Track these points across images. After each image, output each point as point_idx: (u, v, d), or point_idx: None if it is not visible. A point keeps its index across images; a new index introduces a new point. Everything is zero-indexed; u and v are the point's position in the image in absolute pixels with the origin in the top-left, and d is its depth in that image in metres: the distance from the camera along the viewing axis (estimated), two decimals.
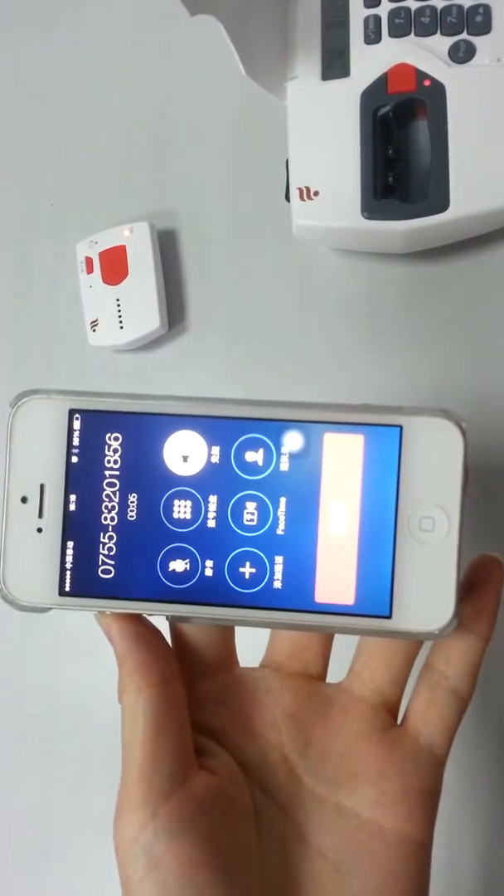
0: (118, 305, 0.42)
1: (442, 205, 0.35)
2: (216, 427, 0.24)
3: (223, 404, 0.24)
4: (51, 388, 0.24)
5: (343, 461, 0.23)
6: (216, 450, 0.24)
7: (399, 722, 0.26)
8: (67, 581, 0.24)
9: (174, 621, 0.26)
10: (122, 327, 0.42)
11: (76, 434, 0.24)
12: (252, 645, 0.27)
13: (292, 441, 0.23)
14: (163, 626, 0.26)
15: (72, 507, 0.24)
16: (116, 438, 0.24)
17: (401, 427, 0.23)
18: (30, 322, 0.45)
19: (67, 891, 0.41)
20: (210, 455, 0.24)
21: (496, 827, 0.37)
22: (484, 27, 0.36)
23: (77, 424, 0.24)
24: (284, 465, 0.24)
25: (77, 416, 0.24)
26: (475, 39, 0.36)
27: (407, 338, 0.40)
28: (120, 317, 0.42)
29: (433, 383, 0.39)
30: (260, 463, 0.24)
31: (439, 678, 0.25)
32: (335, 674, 0.27)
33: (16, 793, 0.43)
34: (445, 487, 0.23)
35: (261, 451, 0.24)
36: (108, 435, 0.24)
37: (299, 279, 0.41)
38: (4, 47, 0.47)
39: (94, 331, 0.42)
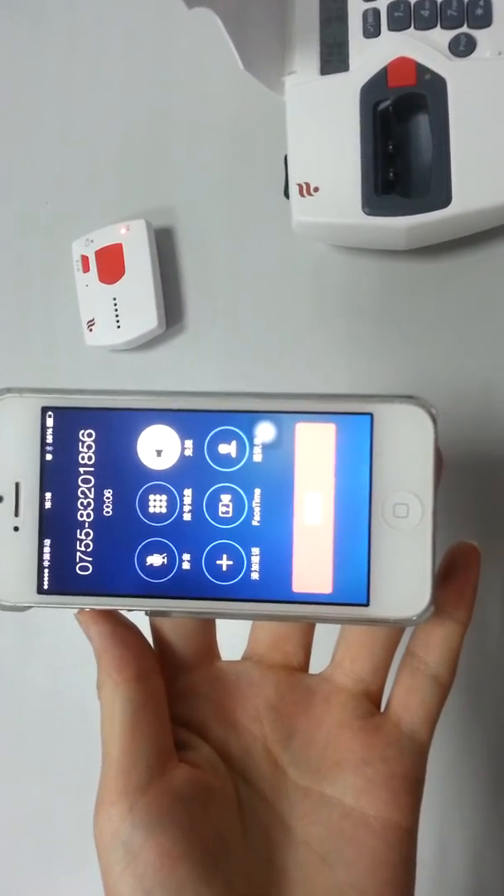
0: (115, 305, 0.42)
1: (444, 200, 0.35)
2: (189, 420, 0.24)
3: (195, 397, 0.24)
4: (23, 387, 0.25)
5: (315, 450, 0.24)
6: (189, 443, 0.24)
7: (382, 710, 0.26)
8: (45, 579, 0.25)
9: (153, 616, 0.26)
10: (119, 327, 0.41)
11: (49, 431, 0.25)
12: (235, 638, 0.28)
13: (265, 432, 0.24)
14: (143, 621, 0.26)
15: (47, 504, 0.25)
16: (90, 435, 0.24)
17: (371, 415, 0.23)
18: (25, 322, 0.44)
19: (70, 894, 0.41)
20: (183, 448, 0.24)
21: (484, 821, 0.37)
22: (484, 20, 0.36)
23: (50, 422, 0.25)
24: (258, 457, 0.24)
25: (50, 413, 0.25)
26: (476, 33, 0.36)
27: (409, 335, 0.40)
28: (117, 316, 0.42)
29: (435, 379, 0.39)
30: (233, 455, 0.24)
31: (419, 664, 0.25)
32: (317, 665, 0.27)
33: (18, 797, 0.43)
34: (418, 473, 0.23)
35: (233, 443, 0.24)
36: (82, 431, 0.24)
37: (298, 277, 0.41)
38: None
39: (91, 331, 0.42)
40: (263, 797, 0.25)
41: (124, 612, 0.25)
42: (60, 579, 0.25)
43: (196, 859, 0.23)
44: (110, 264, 0.42)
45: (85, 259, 0.42)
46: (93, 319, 0.42)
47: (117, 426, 0.24)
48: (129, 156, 0.44)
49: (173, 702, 0.26)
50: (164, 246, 0.43)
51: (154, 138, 0.44)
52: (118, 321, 0.42)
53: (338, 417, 0.24)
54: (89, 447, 0.24)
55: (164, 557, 0.24)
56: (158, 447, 0.24)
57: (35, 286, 0.45)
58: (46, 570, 0.25)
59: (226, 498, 0.24)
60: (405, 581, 0.23)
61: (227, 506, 0.24)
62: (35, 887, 0.42)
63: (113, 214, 0.43)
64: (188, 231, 0.43)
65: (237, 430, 0.24)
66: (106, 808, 0.23)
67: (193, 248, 0.43)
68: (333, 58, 0.38)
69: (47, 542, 0.25)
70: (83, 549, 0.24)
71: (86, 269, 0.42)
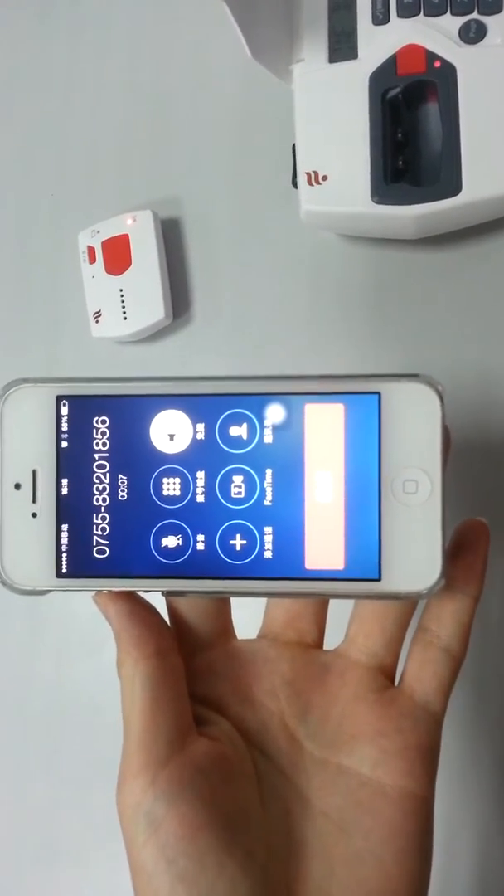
0: (121, 296, 0.41)
1: (454, 189, 0.35)
2: (200, 404, 0.25)
3: (206, 382, 0.25)
4: (38, 377, 0.26)
5: (325, 430, 0.24)
6: (201, 426, 0.25)
7: (396, 684, 0.27)
8: (64, 563, 0.25)
9: (169, 596, 0.27)
10: (125, 318, 0.41)
11: (64, 419, 0.25)
12: (252, 618, 0.28)
13: (274, 413, 0.25)
14: (160, 603, 0.27)
15: (64, 490, 0.25)
16: (104, 421, 0.25)
17: (379, 394, 0.24)
18: (32, 314, 0.44)
19: (75, 888, 0.41)
20: (195, 432, 0.25)
21: (495, 800, 0.37)
22: (495, 6, 0.36)
23: (65, 410, 0.25)
24: (268, 438, 0.25)
25: (64, 402, 0.25)
26: (486, 19, 0.36)
27: (417, 325, 0.39)
28: (123, 308, 0.41)
29: (444, 370, 0.39)
30: (244, 437, 0.25)
31: (432, 638, 0.26)
32: (331, 642, 0.28)
33: (23, 791, 0.43)
34: (425, 450, 0.24)
35: (244, 425, 0.25)
36: (96, 419, 0.25)
37: (306, 267, 0.41)
38: (3, 35, 0.46)
39: (97, 322, 0.42)
40: (281, 770, 0.26)
41: (141, 593, 0.26)
42: (78, 563, 0.25)
43: (217, 829, 0.23)
44: (117, 255, 0.42)
45: (91, 250, 0.42)
46: (99, 311, 0.42)
47: (130, 412, 0.25)
48: (135, 146, 0.44)
49: (191, 680, 0.26)
50: (171, 236, 0.43)
51: (160, 128, 0.44)
52: (125, 313, 0.41)
53: (346, 397, 0.24)
54: (103, 433, 0.25)
55: (178, 539, 0.25)
56: (171, 431, 0.25)
57: (41, 277, 0.45)
58: (64, 555, 0.25)
59: (238, 479, 0.25)
60: (416, 555, 0.24)
61: (240, 487, 0.25)
62: (39, 880, 0.42)
63: (119, 205, 0.43)
64: (195, 221, 0.43)
65: (248, 413, 0.25)
66: (129, 781, 0.24)
67: (200, 238, 0.43)
68: (342, 45, 0.37)
69: (64, 527, 0.25)
70: (100, 532, 0.25)
71: (92, 260, 0.42)
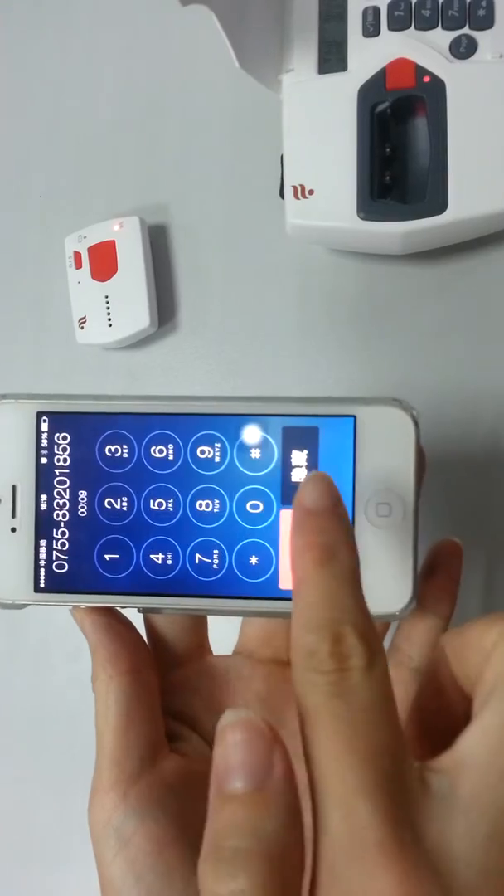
0: (107, 302, 0.42)
1: (440, 206, 0.35)
2: (180, 424, 0.25)
3: (187, 402, 0.25)
4: (19, 393, 0.26)
5: (300, 452, 0.25)
6: (181, 446, 0.25)
7: None
8: (42, 578, 0.26)
9: (146, 612, 0.27)
10: (110, 325, 0.41)
11: (44, 436, 0.26)
12: (229, 633, 0.29)
13: (251, 435, 0.25)
14: (138, 617, 0.27)
15: (43, 506, 0.26)
16: (84, 438, 0.26)
17: (354, 417, 0.24)
18: (16, 319, 0.45)
19: (51, 893, 0.42)
20: (176, 451, 0.26)
21: None
22: (486, 22, 0.36)
23: (45, 426, 0.26)
24: (244, 458, 0.25)
25: (45, 418, 0.26)
26: (477, 34, 0.36)
27: (402, 340, 0.40)
28: (108, 314, 0.41)
29: (429, 385, 0.39)
30: (218, 458, 0.25)
31: (403, 657, 0.27)
32: None
33: (1, 796, 0.43)
34: (399, 474, 0.24)
35: (218, 445, 0.25)
36: (76, 435, 0.26)
37: (293, 278, 0.41)
38: None
39: (83, 328, 0.42)
40: None
41: (118, 609, 0.27)
42: (56, 578, 0.26)
43: (186, 845, 0.24)
44: (103, 261, 0.42)
45: (77, 255, 0.42)
46: (84, 317, 0.42)
47: (111, 430, 0.26)
48: (123, 152, 0.44)
49: (166, 695, 0.27)
50: (158, 243, 0.43)
51: (149, 134, 0.44)
52: (110, 319, 0.42)
53: (321, 420, 0.25)
54: (83, 450, 0.26)
55: (156, 556, 0.26)
56: (153, 450, 0.26)
57: (27, 282, 0.45)
58: (42, 570, 0.26)
59: (212, 498, 0.25)
60: (388, 577, 0.24)
61: (213, 506, 0.25)
62: (18, 885, 0.42)
63: (107, 211, 0.43)
64: (182, 229, 0.43)
65: (224, 434, 0.25)
66: (99, 797, 0.24)
67: (187, 246, 0.43)
68: (332, 56, 0.37)
69: (43, 542, 0.26)
70: (79, 548, 0.26)
71: (78, 265, 0.42)
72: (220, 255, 0.42)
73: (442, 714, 0.21)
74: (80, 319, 0.42)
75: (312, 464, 0.25)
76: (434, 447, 0.39)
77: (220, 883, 0.17)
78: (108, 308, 0.42)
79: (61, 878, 0.42)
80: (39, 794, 0.43)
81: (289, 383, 0.41)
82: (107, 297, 0.42)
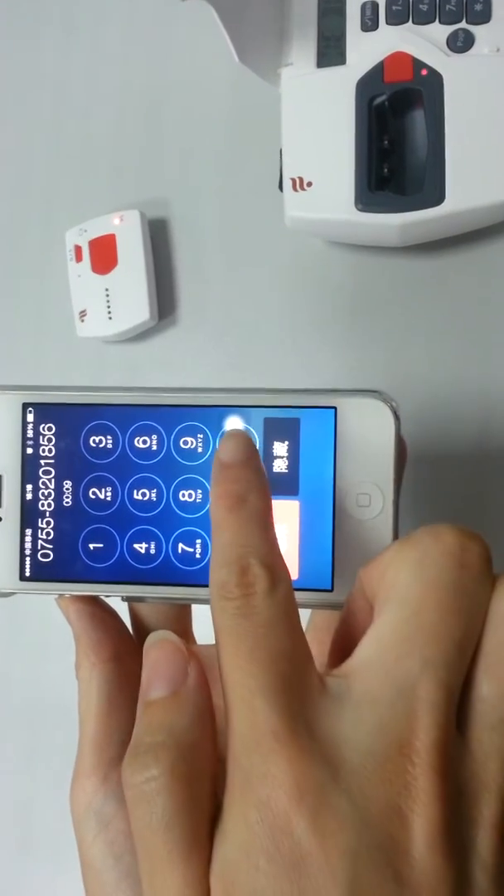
0: (107, 296, 0.42)
1: (437, 198, 0.35)
2: (163, 415, 0.26)
3: (171, 393, 0.26)
4: (5, 384, 0.27)
5: (281, 443, 0.25)
6: (164, 437, 0.26)
7: None
8: (27, 567, 0.26)
9: (130, 601, 0.28)
10: (110, 318, 0.42)
11: (30, 427, 0.26)
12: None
13: (233, 426, 0.26)
14: (123, 606, 0.28)
15: (28, 496, 0.26)
16: (69, 429, 0.26)
17: (335, 408, 0.25)
18: (17, 311, 0.45)
19: (49, 883, 0.42)
20: (160, 441, 0.26)
21: None
22: (483, 16, 0.36)
23: (31, 417, 0.26)
24: None
25: (31, 409, 0.26)
26: (474, 28, 0.36)
27: (401, 332, 0.40)
28: (109, 307, 0.42)
29: (426, 376, 0.39)
30: (200, 448, 0.26)
31: None
32: None
33: (0, 787, 0.43)
34: (379, 465, 0.25)
35: (201, 436, 0.26)
36: (61, 426, 0.26)
37: (292, 271, 0.41)
38: None
39: (83, 321, 0.42)
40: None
41: (102, 597, 0.27)
42: (41, 567, 0.26)
43: None
44: (103, 255, 0.42)
45: (78, 249, 0.43)
46: (85, 310, 0.42)
47: (98, 422, 0.26)
48: (124, 146, 0.44)
49: None
50: (158, 237, 0.43)
51: (149, 128, 0.44)
52: (110, 312, 0.42)
53: (302, 411, 0.25)
54: (68, 441, 0.26)
55: (140, 546, 0.26)
56: (138, 441, 0.26)
57: (28, 275, 0.45)
58: (28, 559, 0.26)
59: (194, 489, 0.26)
60: None
61: (197, 497, 0.26)
62: (16, 876, 0.43)
63: (107, 204, 0.44)
64: (182, 223, 0.43)
65: (207, 425, 0.26)
66: (80, 781, 0.25)
67: (187, 239, 0.43)
68: (331, 50, 0.38)
69: (28, 531, 0.26)
70: (63, 538, 0.26)
71: (79, 258, 0.43)
72: (220, 248, 0.43)
73: (358, 636, 0.22)
74: (81, 312, 0.43)
75: (294, 454, 0.25)
76: (430, 436, 0.39)
77: (136, 773, 0.20)
78: (109, 301, 0.42)
79: (59, 869, 0.42)
80: (37, 785, 0.43)
81: (288, 375, 0.41)
82: (107, 290, 0.42)
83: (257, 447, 0.25)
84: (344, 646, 0.23)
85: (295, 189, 0.37)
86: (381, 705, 0.19)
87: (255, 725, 0.19)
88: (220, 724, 0.21)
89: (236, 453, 0.22)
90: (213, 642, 0.29)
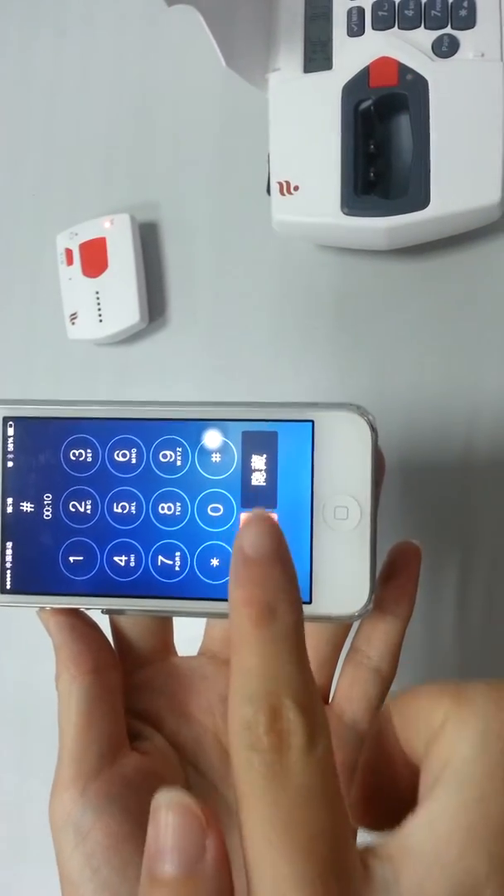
0: (97, 299, 0.42)
1: (422, 202, 0.36)
2: (142, 429, 0.26)
3: (149, 407, 0.26)
4: None
5: (259, 456, 0.26)
6: (144, 450, 0.26)
7: (329, 702, 0.28)
8: (8, 579, 0.27)
9: (110, 614, 0.28)
10: (101, 321, 0.42)
11: (10, 440, 0.27)
12: (195, 634, 0.30)
13: (211, 439, 0.26)
14: (105, 618, 0.28)
15: (9, 509, 0.27)
16: (49, 443, 0.27)
17: (312, 422, 0.25)
18: (7, 314, 0.46)
19: (42, 885, 0.42)
20: (139, 455, 0.26)
21: None
22: (468, 21, 0.36)
23: (10, 431, 0.27)
24: (205, 462, 0.26)
25: (10, 423, 0.27)
26: (459, 34, 0.36)
27: (388, 334, 0.40)
28: (99, 310, 0.42)
29: (413, 380, 0.39)
30: (179, 462, 0.26)
31: (362, 658, 0.27)
32: None
33: None
34: (356, 478, 0.25)
35: (179, 449, 0.26)
36: (42, 440, 0.27)
37: (282, 274, 0.42)
38: None
39: (74, 324, 0.43)
40: (213, 785, 0.27)
41: (83, 610, 0.27)
42: (21, 580, 0.27)
43: (142, 840, 0.24)
44: (94, 258, 0.43)
45: (69, 252, 0.43)
46: (75, 313, 0.43)
47: (77, 436, 0.26)
48: (114, 150, 0.45)
49: (130, 694, 0.28)
50: (148, 241, 0.44)
51: (139, 133, 0.44)
52: (100, 315, 0.42)
53: (280, 424, 0.25)
54: (49, 455, 0.27)
55: (119, 559, 0.26)
56: (117, 454, 0.26)
57: (19, 278, 0.46)
58: (9, 571, 0.27)
59: (173, 502, 0.26)
60: (346, 580, 0.25)
61: (175, 509, 0.26)
62: (6, 878, 0.43)
63: (98, 208, 0.44)
64: (172, 226, 0.44)
65: (186, 438, 0.26)
66: (59, 792, 0.25)
67: (177, 243, 0.43)
68: (317, 55, 0.38)
69: (9, 544, 0.27)
70: (44, 551, 0.27)
71: (69, 262, 0.43)
72: (210, 251, 0.43)
73: (388, 777, 0.20)
74: (71, 315, 0.43)
75: (272, 467, 0.25)
76: (417, 440, 0.39)
77: None
78: (99, 304, 0.43)
79: (52, 871, 0.43)
80: (29, 786, 0.43)
81: (277, 378, 0.41)
82: (97, 293, 0.43)
83: (237, 462, 0.25)
84: (375, 786, 0.21)
85: (282, 193, 0.37)
86: None
87: None
88: None
89: (263, 545, 0.19)
90: (196, 654, 0.29)
